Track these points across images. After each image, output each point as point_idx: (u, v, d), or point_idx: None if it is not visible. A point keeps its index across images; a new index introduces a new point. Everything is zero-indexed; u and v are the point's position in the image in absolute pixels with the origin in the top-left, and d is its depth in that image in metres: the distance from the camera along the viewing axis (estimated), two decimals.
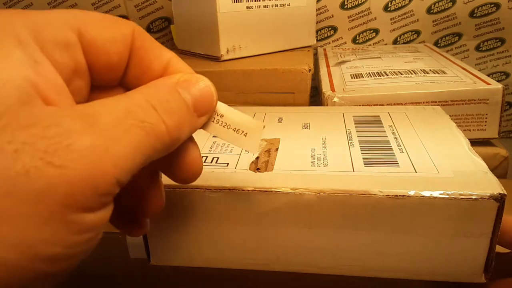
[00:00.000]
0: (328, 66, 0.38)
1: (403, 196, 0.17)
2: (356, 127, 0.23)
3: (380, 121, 0.24)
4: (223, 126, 0.15)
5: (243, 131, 0.16)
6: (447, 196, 0.16)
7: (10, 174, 0.09)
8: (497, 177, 0.18)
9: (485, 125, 0.31)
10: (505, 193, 0.16)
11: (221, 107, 0.15)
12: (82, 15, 0.13)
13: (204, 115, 0.14)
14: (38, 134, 0.09)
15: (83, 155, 0.10)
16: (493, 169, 0.18)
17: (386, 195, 0.17)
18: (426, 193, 0.17)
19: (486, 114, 0.30)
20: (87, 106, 0.11)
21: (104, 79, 0.14)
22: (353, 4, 0.46)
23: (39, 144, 0.09)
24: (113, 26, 0.13)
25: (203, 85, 0.14)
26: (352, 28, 0.47)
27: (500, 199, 0.16)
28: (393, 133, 0.22)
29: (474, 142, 0.22)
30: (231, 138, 0.15)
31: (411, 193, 0.17)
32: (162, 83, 0.13)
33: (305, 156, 0.20)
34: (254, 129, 0.15)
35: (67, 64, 0.12)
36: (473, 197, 0.16)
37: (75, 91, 0.13)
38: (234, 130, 0.16)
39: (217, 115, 0.15)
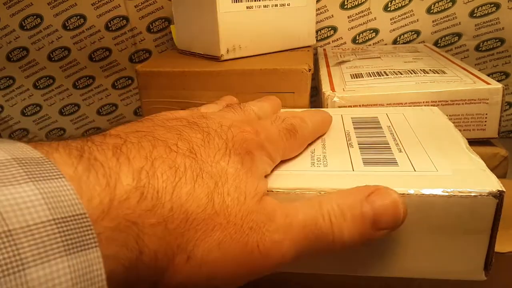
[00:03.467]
0: (328, 66, 0.38)
1: (403, 194, 0.17)
2: (354, 128, 0.23)
3: (378, 122, 0.24)
4: None
5: None
6: (447, 194, 0.17)
7: (248, 245, 0.14)
8: (497, 177, 0.18)
9: (485, 125, 0.31)
10: (504, 190, 0.16)
11: None
12: None
13: (385, 230, 0.15)
14: (264, 221, 0.14)
15: (275, 244, 0.14)
16: (492, 169, 0.18)
17: None
18: (426, 191, 0.17)
19: (486, 114, 0.31)
20: (289, 206, 0.15)
21: None
22: (353, 4, 0.46)
23: (262, 227, 0.14)
24: None
25: (389, 201, 0.15)
26: (352, 28, 0.47)
27: (499, 196, 0.16)
28: (392, 133, 0.22)
29: (474, 142, 0.22)
30: None
31: (411, 191, 0.17)
32: (352, 196, 0.15)
33: (305, 157, 0.20)
34: None
35: None
36: (472, 194, 0.16)
37: None
38: None
39: None
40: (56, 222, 0.10)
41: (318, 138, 0.22)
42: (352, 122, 0.24)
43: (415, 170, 0.18)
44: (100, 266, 0.10)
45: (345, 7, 0.46)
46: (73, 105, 0.54)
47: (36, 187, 0.10)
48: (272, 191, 0.17)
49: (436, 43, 0.47)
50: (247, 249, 0.14)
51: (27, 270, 0.09)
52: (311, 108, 0.32)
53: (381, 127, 0.23)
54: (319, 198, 0.16)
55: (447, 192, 0.17)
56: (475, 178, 0.17)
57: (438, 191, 0.17)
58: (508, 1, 0.44)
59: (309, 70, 0.31)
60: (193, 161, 0.14)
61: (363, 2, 0.46)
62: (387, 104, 0.30)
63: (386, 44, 0.48)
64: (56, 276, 0.09)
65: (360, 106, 0.30)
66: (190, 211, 0.13)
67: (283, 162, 0.20)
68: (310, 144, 0.21)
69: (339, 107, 0.30)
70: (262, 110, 0.21)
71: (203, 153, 0.15)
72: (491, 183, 0.17)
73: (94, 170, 0.11)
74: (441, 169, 0.18)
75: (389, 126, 0.23)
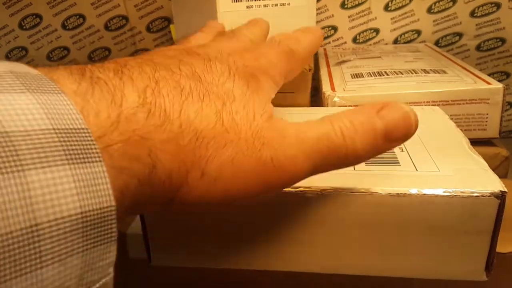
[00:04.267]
0: (328, 65, 0.38)
1: (404, 194, 0.17)
2: None
3: None
4: None
5: None
6: (449, 194, 0.16)
7: (261, 160, 0.14)
8: (498, 177, 0.18)
9: (486, 125, 0.31)
10: (506, 190, 0.16)
11: None
12: None
13: (396, 141, 0.16)
14: (276, 138, 0.14)
15: (290, 159, 0.14)
16: (493, 169, 0.18)
17: (388, 193, 0.17)
18: (428, 191, 0.17)
19: (487, 114, 0.30)
20: (301, 124, 0.15)
21: None
22: (353, 3, 0.46)
23: (274, 143, 0.14)
24: None
25: (399, 114, 0.15)
26: (352, 27, 0.47)
27: (501, 196, 0.16)
28: None
29: (475, 142, 0.22)
30: None
31: (413, 191, 0.17)
32: (363, 112, 0.16)
33: None
34: None
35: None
36: (474, 194, 0.16)
37: None
38: None
39: None
40: (56, 132, 0.09)
41: None
42: None
43: (417, 170, 0.18)
44: (106, 181, 0.10)
45: (346, 6, 0.46)
46: None
47: (34, 97, 0.09)
48: None
49: (436, 43, 0.47)
50: (260, 163, 0.14)
51: (26, 171, 0.08)
52: (309, 107, 0.32)
53: None
54: (329, 117, 0.16)
55: (449, 192, 0.16)
56: (477, 178, 0.17)
57: (440, 191, 0.17)
58: (509, 1, 0.44)
59: (310, 69, 0.31)
60: (197, 82, 0.14)
61: (364, 1, 0.46)
62: None
63: (386, 44, 0.47)
64: (58, 182, 0.09)
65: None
66: (200, 129, 0.13)
67: None
68: None
69: (340, 106, 0.30)
70: (254, 34, 0.22)
71: (207, 76, 0.15)
72: (493, 184, 0.17)
73: (98, 86, 0.11)
74: (443, 169, 0.18)
75: None
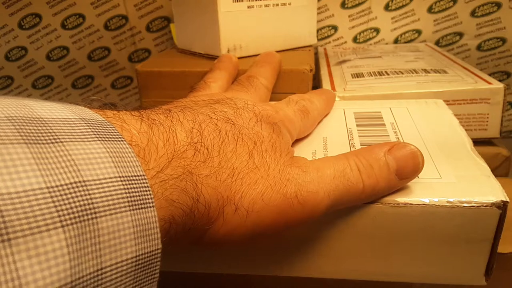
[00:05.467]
0: (328, 65, 0.38)
1: (405, 204, 0.17)
2: (357, 125, 0.23)
3: (382, 118, 0.24)
4: None
5: None
6: (449, 204, 0.16)
7: (287, 195, 0.15)
8: (498, 176, 0.17)
9: (487, 125, 0.31)
10: (508, 200, 0.16)
11: None
12: None
13: (406, 179, 0.17)
14: (299, 174, 0.16)
15: (312, 194, 0.15)
16: (494, 169, 0.18)
17: (389, 204, 0.17)
18: (429, 201, 0.16)
19: (488, 114, 0.30)
20: (318, 161, 0.17)
21: None
22: (353, 3, 0.46)
23: (298, 179, 0.15)
24: None
25: (408, 152, 0.17)
26: (352, 27, 0.47)
27: (502, 207, 0.16)
28: (395, 131, 0.22)
29: (476, 142, 0.22)
30: None
31: (413, 201, 0.17)
32: (375, 151, 0.17)
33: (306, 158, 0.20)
34: None
35: None
36: (475, 204, 0.16)
37: None
38: None
39: None
40: (122, 179, 0.10)
41: (319, 139, 0.22)
42: (355, 118, 0.24)
43: (418, 177, 0.18)
44: (156, 225, 0.11)
45: (346, 6, 0.46)
46: None
47: (103, 145, 0.10)
48: None
49: (437, 43, 0.47)
50: (286, 198, 0.15)
51: (98, 219, 0.09)
52: None
53: (384, 125, 0.23)
54: (344, 154, 0.17)
55: (450, 202, 0.16)
56: (479, 186, 0.17)
57: (441, 201, 0.16)
58: (510, 1, 0.43)
59: (311, 70, 0.31)
60: (232, 126, 0.16)
61: (364, 1, 0.46)
62: None
63: (387, 44, 0.47)
64: (121, 228, 0.10)
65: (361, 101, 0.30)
66: (235, 166, 0.14)
67: None
68: (312, 146, 0.21)
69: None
70: (267, 79, 0.25)
71: (238, 121, 0.16)
72: (495, 193, 0.16)
73: (155, 126, 0.13)
74: (445, 175, 0.18)
75: (393, 123, 0.23)
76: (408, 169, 0.16)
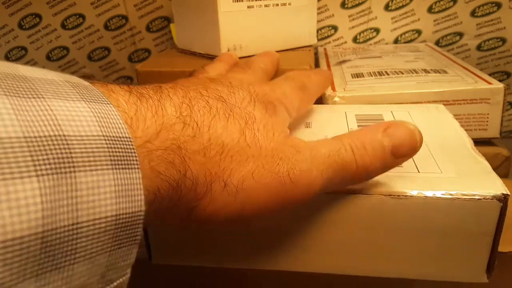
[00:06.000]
0: (328, 65, 0.38)
1: (405, 196, 0.17)
2: (358, 126, 0.23)
3: (383, 120, 0.24)
4: None
5: None
6: (450, 197, 0.16)
7: (279, 174, 0.15)
8: (499, 177, 0.18)
9: (487, 125, 0.31)
10: (508, 193, 0.16)
11: None
12: None
13: (403, 157, 0.17)
14: (292, 153, 0.15)
15: (304, 173, 0.15)
16: (494, 169, 0.18)
17: (389, 195, 0.17)
18: (429, 193, 0.17)
19: (488, 114, 0.30)
20: (313, 142, 0.16)
21: None
22: (353, 3, 0.46)
23: (291, 158, 0.15)
24: None
25: (405, 130, 0.16)
26: (352, 27, 0.47)
27: (503, 199, 0.16)
28: None
29: (476, 142, 0.22)
30: None
31: (414, 193, 0.17)
32: (371, 131, 0.17)
33: None
34: None
35: None
36: (476, 197, 0.16)
37: None
38: None
39: None
40: (105, 138, 0.10)
41: (321, 138, 0.22)
42: (356, 120, 0.24)
43: (419, 172, 0.18)
44: (140, 187, 0.11)
45: (346, 6, 0.46)
46: None
47: (88, 105, 0.10)
48: None
49: (437, 43, 0.47)
50: (278, 177, 0.15)
51: (77, 173, 0.09)
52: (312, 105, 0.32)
53: None
54: (339, 136, 0.17)
55: (451, 195, 0.16)
56: (479, 180, 0.17)
57: (442, 194, 0.16)
58: (510, 1, 0.44)
59: (310, 69, 0.31)
60: (223, 104, 0.15)
61: (364, 1, 0.46)
62: (388, 103, 0.30)
63: (387, 44, 0.47)
64: (102, 185, 0.10)
65: (362, 104, 0.30)
66: (225, 143, 0.14)
67: None
68: None
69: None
70: (266, 65, 0.24)
71: (231, 99, 0.16)
72: (495, 186, 0.17)
73: (144, 99, 0.13)
74: (446, 170, 0.18)
75: None
76: (404, 148, 0.16)
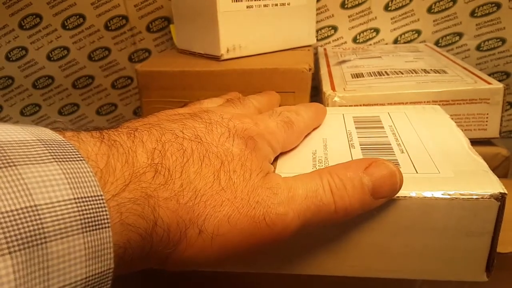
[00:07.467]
0: (328, 65, 0.38)
1: (404, 197, 0.17)
2: (356, 128, 0.23)
3: (380, 121, 0.24)
4: None
5: None
6: (448, 197, 0.16)
7: (255, 218, 0.15)
8: (498, 177, 0.18)
9: (486, 125, 0.31)
10: (506, 192, 0.16)
11: None
12: None
13: (383, 198, 0.16)
14: (269, 196, 0.15)
15: (280, 216, 0.15)
16: (494, 169, 0.18)
17: None
18: (427, 194, 0.17)
19: (487, 114, 0.30)
20: (292, 180, 0.16)
21: None
22: (353, 3, 0.46)
23: (267, 201, 0.15)
24: None
25: (386, 171, 0.16)
26: (352, 27, 0.47)
27: (500, 198, 0.16)
28: (393, 133, 0.22)
29: (475, 142, 0.22)
30: None
31: (413, 194, 0.17)
32: (352, 169, 0.16)
33: (307, 159, 0.20)
34: None
35: None
36: (474, 196, 0.16)
37: None
38: None
39: None
40: (76, 201, 0.10)
41: (319, 139, 0.22)
42: (354, 122, 0.24)
43: (417, 172, 0.18)
44: (110, 245, 0.11)
45: (346, 6, 0.46)
46: (72, 105, 0.54)
47: (59, 166, 0.10)
48: None
49: (437, 43, 0.47)
50: (254, 221, 0.14)
51: (48, 243, 0.10)
52: None
53: (383, 127, 0.23)
54: (318, 171, 0.16)
55: (449, 194, 0.16)
56: (477, 180, 0.17)
57: (440, 194, 0.17)
58: (509, 1, 0.44)
59: (310, 69, 0.31)
60: (198, 144, 0.15)
61: (364, 1, 0.46)
62: (388, 104, 0.30)
63: (386, 44, 0.47)
64: (72, 251, 0.10)
65: (361, 105, 0.30)
66: (198, 188, 0.14)
67: (284, 163, 0.20)
68: (311, 145, 0.21)
69: (340, 106, 0.30)
70: (261, 103, 0.23)
71: (208, 137, 0.16)
72: (493, 185, 0.17)
73: (115, 148, 0.13)
74: (443, 170, 0.18)
75: (391, 126, 0.23)
76: (384, 189, 0.16)
